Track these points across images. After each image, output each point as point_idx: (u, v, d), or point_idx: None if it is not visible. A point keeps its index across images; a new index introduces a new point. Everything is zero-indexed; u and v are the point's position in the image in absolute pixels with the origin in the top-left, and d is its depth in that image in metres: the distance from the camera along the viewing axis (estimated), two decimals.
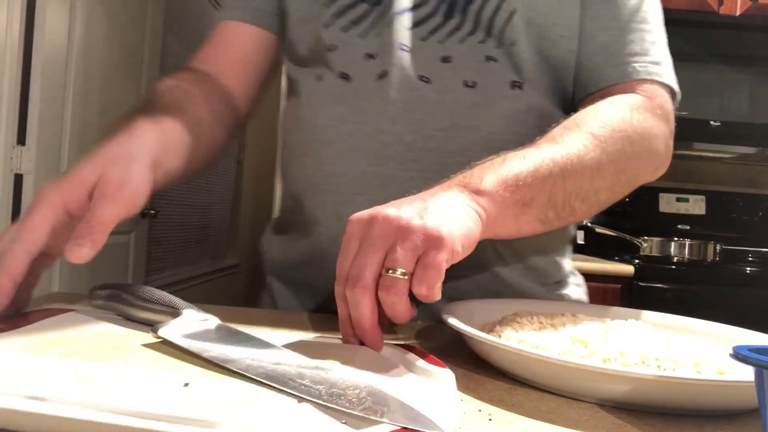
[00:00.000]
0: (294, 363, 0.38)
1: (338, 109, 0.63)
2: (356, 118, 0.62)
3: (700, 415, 0.38)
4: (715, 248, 1.93)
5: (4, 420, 0.27)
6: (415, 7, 0.63)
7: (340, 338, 0.46)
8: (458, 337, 0.46)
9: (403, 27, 0.62)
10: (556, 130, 0.56)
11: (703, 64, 1.92)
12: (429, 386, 0.37)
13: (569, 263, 0.75)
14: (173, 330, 0.43)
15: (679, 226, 2.22)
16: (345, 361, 0.39)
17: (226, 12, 0.73)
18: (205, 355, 0.39)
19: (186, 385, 0.33)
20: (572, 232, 0.75)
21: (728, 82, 1.95)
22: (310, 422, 0.30)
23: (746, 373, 0.39)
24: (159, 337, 0.43)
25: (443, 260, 0.41)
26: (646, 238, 1.96)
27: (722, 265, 1.90)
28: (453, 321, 0.45)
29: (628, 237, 1.96)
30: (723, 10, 1.98)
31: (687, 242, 1.94)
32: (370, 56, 0.63)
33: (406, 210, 0.43)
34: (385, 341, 0.45)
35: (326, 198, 0.64)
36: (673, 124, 0.64)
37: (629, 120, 0.58)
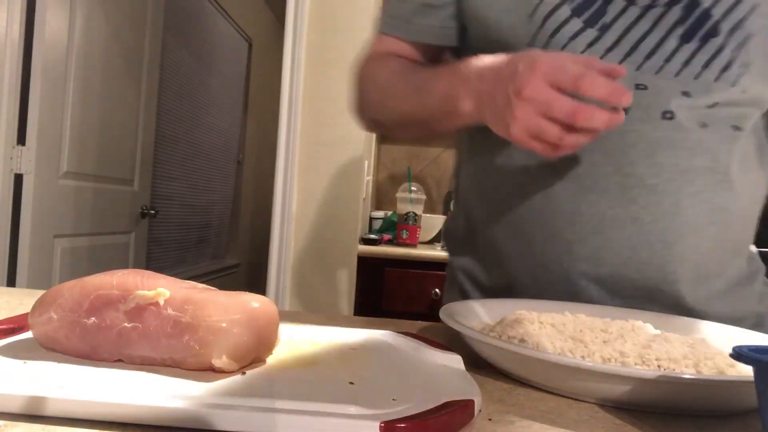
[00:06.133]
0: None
1: None
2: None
3: (700, 415, 0.38)
4: None
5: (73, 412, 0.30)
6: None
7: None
8: (458, 337, 0.46)
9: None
10: None
11: None
12: (444, 364, 0.42)
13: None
14: None
15: None
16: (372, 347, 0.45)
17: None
18: None
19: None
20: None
21: None
22: (362, 402, 0.33)
23: (746, 373, 0.39)
24: None
25: None
26: None
27: None
28: (453, 321, 0.46)
29: None
30: None
31: None
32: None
33: None
34: (393, 331, 0.48)
35: (557, 235, 0.62)
36: None
37: None
